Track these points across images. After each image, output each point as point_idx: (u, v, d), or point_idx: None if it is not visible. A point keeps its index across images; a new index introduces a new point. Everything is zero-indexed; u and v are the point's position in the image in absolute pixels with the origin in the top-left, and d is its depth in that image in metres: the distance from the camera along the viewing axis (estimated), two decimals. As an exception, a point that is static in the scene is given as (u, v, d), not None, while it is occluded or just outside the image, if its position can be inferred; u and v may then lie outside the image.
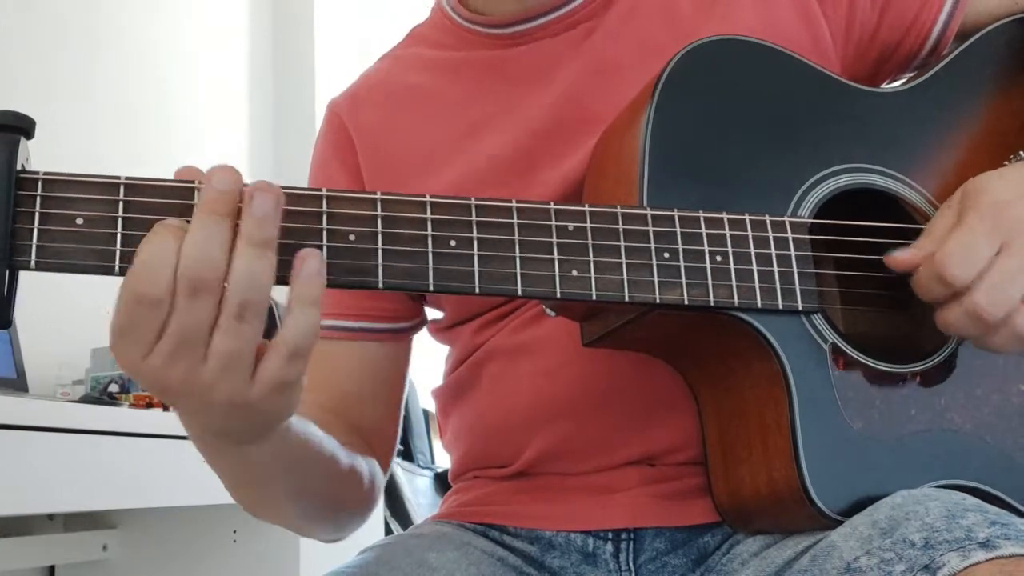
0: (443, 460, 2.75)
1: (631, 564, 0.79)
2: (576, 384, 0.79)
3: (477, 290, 0.61)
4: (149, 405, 1.78)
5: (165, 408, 1.92)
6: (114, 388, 1.92)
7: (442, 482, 2.55)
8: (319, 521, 0.86)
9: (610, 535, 0.80)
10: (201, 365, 0.54)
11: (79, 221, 0.54)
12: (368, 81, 0.93)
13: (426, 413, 2.82)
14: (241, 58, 3.03)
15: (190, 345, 0.54)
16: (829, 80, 0.76)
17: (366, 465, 0.83)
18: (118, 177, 0.55)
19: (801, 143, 0.73)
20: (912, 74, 0.84)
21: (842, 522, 0.66)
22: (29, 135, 0.53)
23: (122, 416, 1.53)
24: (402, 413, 0.93)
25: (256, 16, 3.10)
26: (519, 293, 0.62)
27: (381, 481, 0.88)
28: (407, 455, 2.62)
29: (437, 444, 2.78)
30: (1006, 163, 0.75)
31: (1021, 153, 0.77)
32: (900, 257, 0.69)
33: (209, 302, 0.53)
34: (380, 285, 0.59)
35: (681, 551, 0.79)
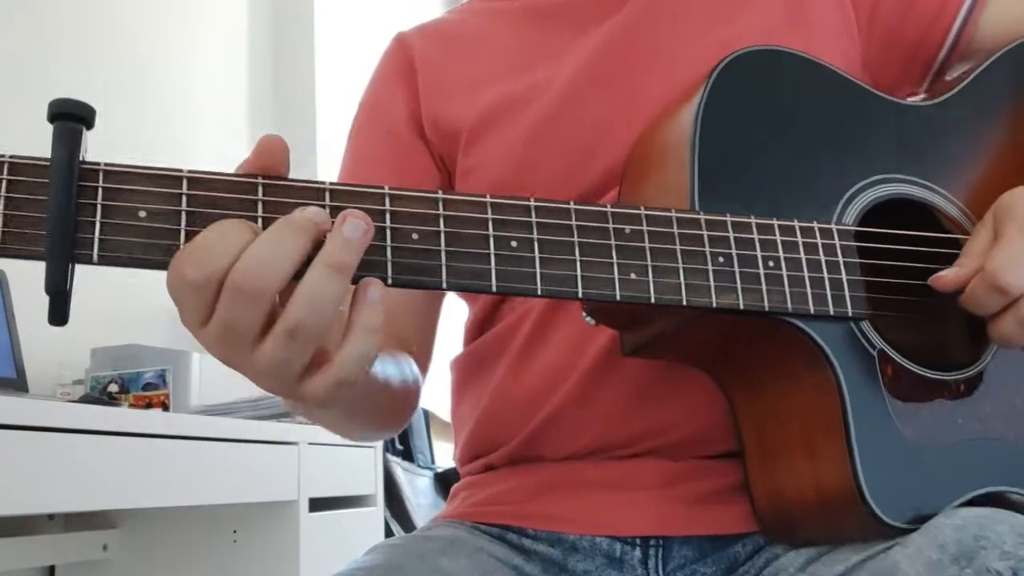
0: (443, 460, 2.74)
1: (660, 571, 0.78)
2: (601, 361, 0.79)
3: (539, 292, 0.60)
4: (149, 405, 1.74)
5: (165, 408, 1.89)
6: (114, 388, 1.88)
7: (442, 482, 2.53)
8: (366, 431, 0.90)
9: (638, 541, 0.79)
10: (249, 355, 0.53)
11: (142, 214, 0.52)
12: (434, 23, 1.01)
13: (426, 413, 2.80)
14: (241, 57, 2.98)
15: (236, 337, 0.52)
16: (868, 93, 0.77)
17: (411, 375, 0.84)
18: (180, 170, 0.53)
19: (843, 153, 0.74)
20: (933, 84, 0.85)
21: (896, 528, 0.66)
22: (90, 125, 0.51)
23: (122, 416, 1.49)
24: (438, 324, 0.96)
25: (256, 16, 3.06)
26: (579, 295, 0.61)
27: (421, 385, 0.89)
28: (407, 455, 2.60)
29: (437, 444, 2.77)
30: None
31: None
32: (946, 277, 0.70)
33: (255, 310, 0.52)
34: (444, 285, 0.57)
35: (711, 559, 0.79)
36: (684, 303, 0.63)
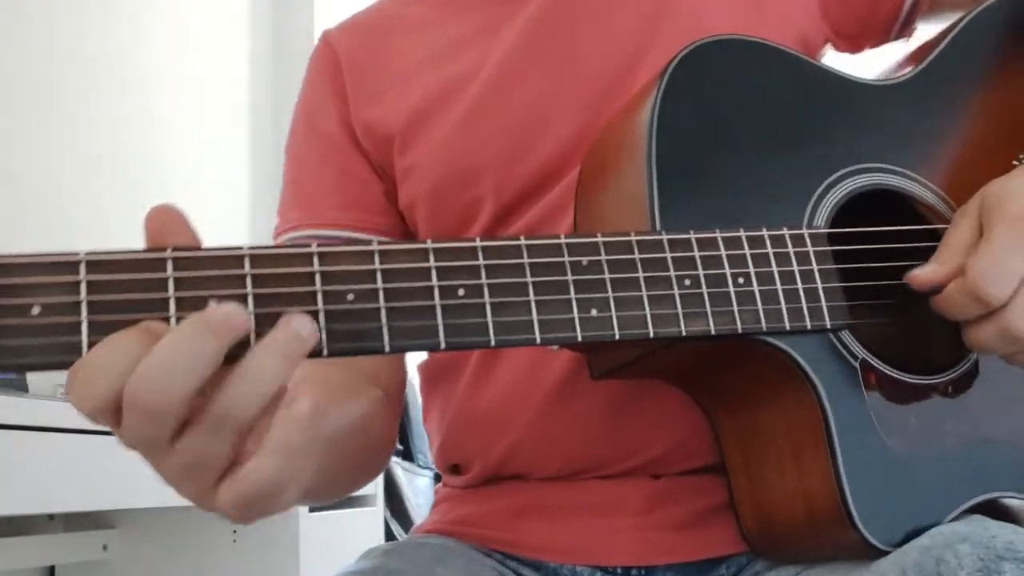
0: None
1: None
2: (571, 374, 0.75)
3: (493, 343, 0.54)
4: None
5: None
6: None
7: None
8: (342, 490, 0.82)
9: (619, 570, 0.76)
10: (163, 458, 0.48)
11: (35, 311, 0.45)
12: (362, 13, 0.94)
13: (426, 413, 2.77)
14: (241, 57, 2.90)
15: (147, 450, 0.47)
16: (830, 76, 0.72)
17: (378, 412, 0.77)
18: (77, 253, 0.47)
19: (810, 146, 0.69)
20: (899, 58, 0.80)
21: (880, 551, 0.62)
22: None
23: None
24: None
25: (256, 16, 2.98)
26: (537, 341, 0.56)
27: (395, 424, 0.84)
28: (407, 455, 2.56)
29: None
30: (1016, 163, 0.72)
31: None
32: (923, 276, 0.64)
33: (156, 426, 0.45)
34: (387, 349, 0.52)
35: None
36: (651, 335, 0.58)
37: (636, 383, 0.73)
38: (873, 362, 0.65)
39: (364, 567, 0.75)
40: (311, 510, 1.94)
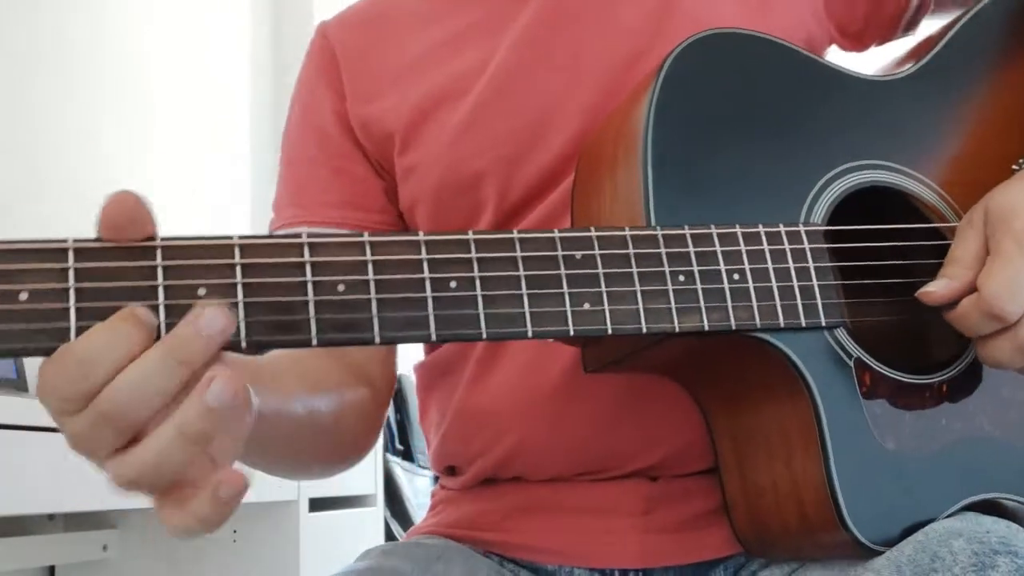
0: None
1: None
2: (570, 377, 0.74)
3: (484, 335, 0.54)
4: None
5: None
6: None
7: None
8: (306, 473, 0.85)
9: (616, 573, 0.75)
10: (100, 462, 0.48)
11: (23, 296, 0.45)
12: (358, 6, 0.91)
13: (426, 413, 2.77)
14: (242, 56, 2.90)
15: (86, 446, 0.48)
16: (830, 71, 0.71)
17: (356, 409, 0.77)
18: (65, 240, 0.47)
19: (809, 142, 0.68)
20: (902, 54, 0.80)
21: (873, 551, 0.62)
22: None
23: None
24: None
25: (256, 16, 2.97)
26: (529, 334, 0.55)
27: (379, 418, 0.83)
28: (407, 455, 2.57)
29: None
30: (1016, 167, 0.71)
31: None
32: (935, 292, 0.64)
33: (113, 438, 0.46)
34: (377, 340, 0.52)
35: None
36: (644, 331, 0.58)
37: (635, 385, 0.73)
38: (868, 361, 0.65)
39: (362, 567, 0.74)
40: (311, 510, 1.93)
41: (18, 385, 1.72)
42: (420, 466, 2.59)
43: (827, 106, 0.70)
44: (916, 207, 0.71)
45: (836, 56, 0.84)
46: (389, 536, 2.30)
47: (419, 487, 2.49)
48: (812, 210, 0.66)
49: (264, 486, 1.78)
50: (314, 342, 0.50)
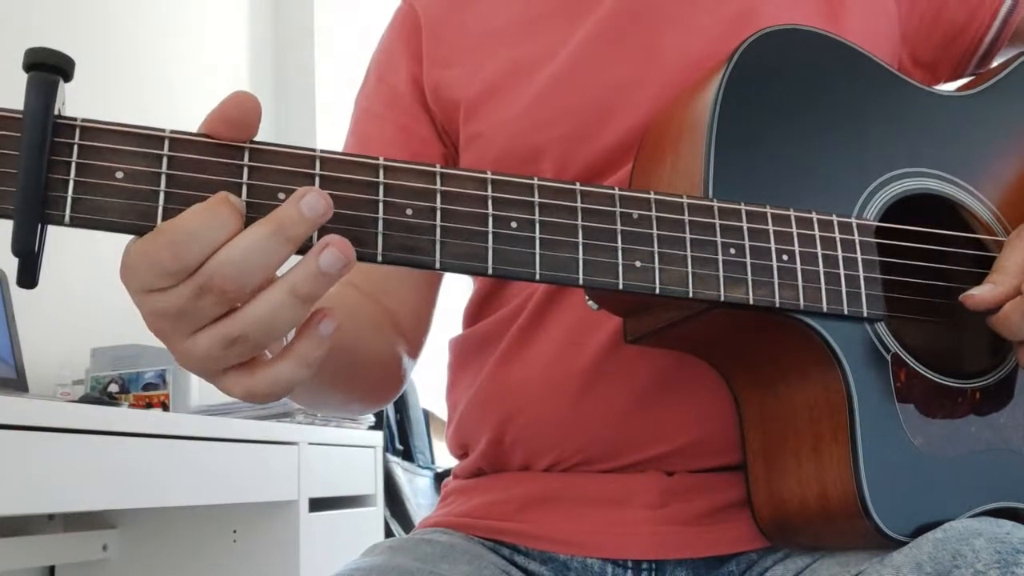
0: (443, 460, 2.71)
1: None
2: (601, 363, 0.76)
3: (538, 276, 0.56)
4: (149, 405, 1.73)
5: (165, 408, 1.87)
6: (114, 388, 1.87)
7: (442, 482, 2.50)
8: (330, 408, 0.87)
9: (630, 564, 0.76)
10: (182, 339, 0.51)
11: (119, 175, 0.49)
12: None
13: (426, 413, 2.77)
14: (241, 55, 2.97)
15: (180, 322, 0.50)
16: (899, 80, 0.73)
17: (388, 359, 0.81)
18: (163, 130, 0.50)
19: (869, 142, 0.70)
20: (971, 79, 0.82)
21: (895, 540, 0.62)
22: (68, 77, 0.48)
23: (122, 416, 1.50)
24: (437, 297, 0.91)
25: (256, 16, 3.06)
26: (580, 282, 0.57)
27: (406, 370, 0.86)
28: (407, 455, 2.57)
29: (437, 444, 2.74)
30: None
31: None
32: (980, 296, 0.65)
33: (214, 309, 0.49)
34: (437, 265, 0.54)
35: None
36: (690, 295, 0.60)
37: (663, 374, 0.74)
38: (905, 357, 0.66)
39: (369, 563, 0.75)
40: (311, 510, 1.94)
41: (18, 385, 1.76)
42: (420, 466, 2.59)
43: (891, 111, 0.72)
44: (968, 220, 0.73)
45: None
46: (389, 536, 2.29)
47: (419, 487, 2.49)
48: (866, 207, 0.68)
49: (264, 486, 1.80)
50: (379, 258, 0.53)
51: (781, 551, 0.74)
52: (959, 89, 0.77)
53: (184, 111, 2.56)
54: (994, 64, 0.87)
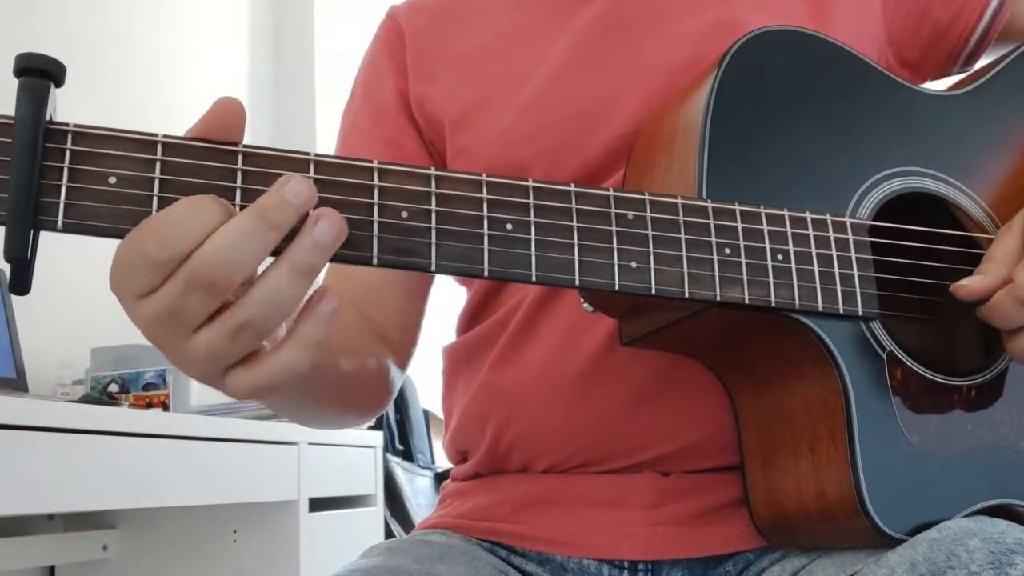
0: (443, 460, 2.71)
1: None
2: (596, 366, 0.76)
3: (534, 278, 0.56)
4: (149, 405, 1.73)
5: (165, 408, 1.87)
6: (114, 388, 1.87)
7: (442, 482, 2.50)
8: (315, 422, 0.85)
9: (626, 564, 0.76)
10: (184, 341, 0.50)
11: (112, 180, 0.49)
12: None
13: (426, 413, 2.78)
14: (241, 54, 2.97)
15: (176, 322, 0.49)
16: (887, 78, 0.73)
17: (375, 371, 0.80)
18: (155, 135, 0.50)
19: (862, 142, 0.70)
20: (961, 77, 0.82)
21: (894, 538, 0.63)
22: (59, 83, 0.48)
23: (122, 416, 1.49)
24: (426, 307, 0.90)
25: (256, 17, 3.05)
26: (576, 283, 0.57)
27: (395, 381, 0.85)
28: (407, 455, 2.57)
29: (437, 444, 2.75)
30: None
31: None
32: (970, 286, 0.65)
33: (208, 301, 0.49)
34: (433, 268, 0.54)
35: None
36: (686, 295, 0.60)
37: (658, 376, 0.74)
38: (901, 356, 0.66)
39: (366, 564, 0.75)
40: (311, 510, 1.94)
41: (18, 385, 1.75)
42: (420, 466, 2.59)
43: (883, 111, 0.72)
44: (961, 219, 0.73)
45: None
46: (389, 536, 2.30)
47: (419, 487, 2.49)
48: (859, 206, 0.68)
49: (264, 486, 1.80)
50: (375, 261, 0.53)
51: (778, 551, 0.74)
52: (950, 88, 0.77)
53: (182, 114, 2.55)
54: (980, 64, 0.87)
